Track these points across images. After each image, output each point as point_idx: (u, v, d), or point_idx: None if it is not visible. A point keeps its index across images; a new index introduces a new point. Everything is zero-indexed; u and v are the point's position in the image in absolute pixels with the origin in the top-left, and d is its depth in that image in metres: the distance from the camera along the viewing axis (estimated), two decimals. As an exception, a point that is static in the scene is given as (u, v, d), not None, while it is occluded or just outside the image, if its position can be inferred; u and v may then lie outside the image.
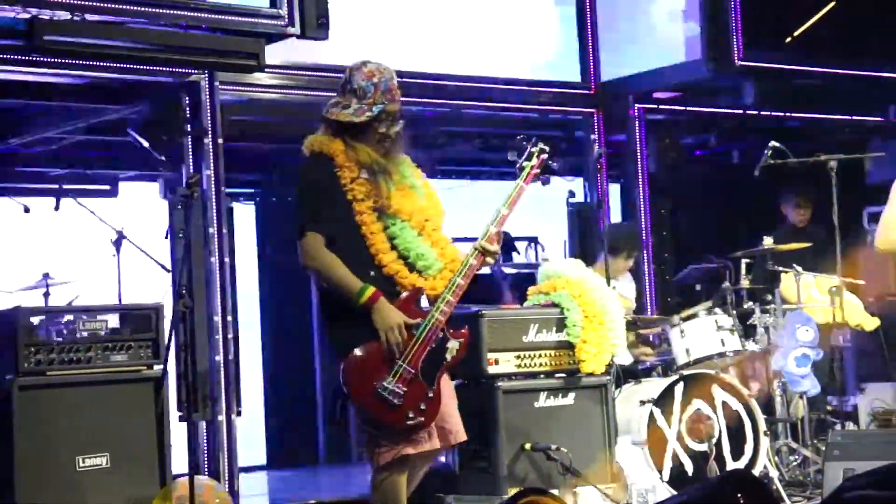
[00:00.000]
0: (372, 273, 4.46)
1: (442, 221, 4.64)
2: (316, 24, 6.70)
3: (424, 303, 4.54)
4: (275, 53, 7.01)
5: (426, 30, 8.12)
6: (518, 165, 4.67)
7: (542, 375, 5.89)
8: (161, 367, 5.60)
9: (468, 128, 8.81)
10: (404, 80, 8.04)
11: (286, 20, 6.64)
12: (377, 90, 4.52)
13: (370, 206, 4.47)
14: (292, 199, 4.62)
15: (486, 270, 7.43)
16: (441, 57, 8.12)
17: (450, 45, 8.21)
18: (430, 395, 4.43)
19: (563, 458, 5.62)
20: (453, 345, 4.49)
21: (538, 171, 4.65)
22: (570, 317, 5.91)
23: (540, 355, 5.90)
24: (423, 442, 4.48)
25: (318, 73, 7.52)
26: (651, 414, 6.21)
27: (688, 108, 9.08)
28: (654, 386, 6.38)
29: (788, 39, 8.44)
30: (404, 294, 4.46)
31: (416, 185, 4.64)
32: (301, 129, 8.49)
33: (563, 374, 5.94)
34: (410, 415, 4.39)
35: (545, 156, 4.65)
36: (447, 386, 4.61)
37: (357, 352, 4.41)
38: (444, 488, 5.69)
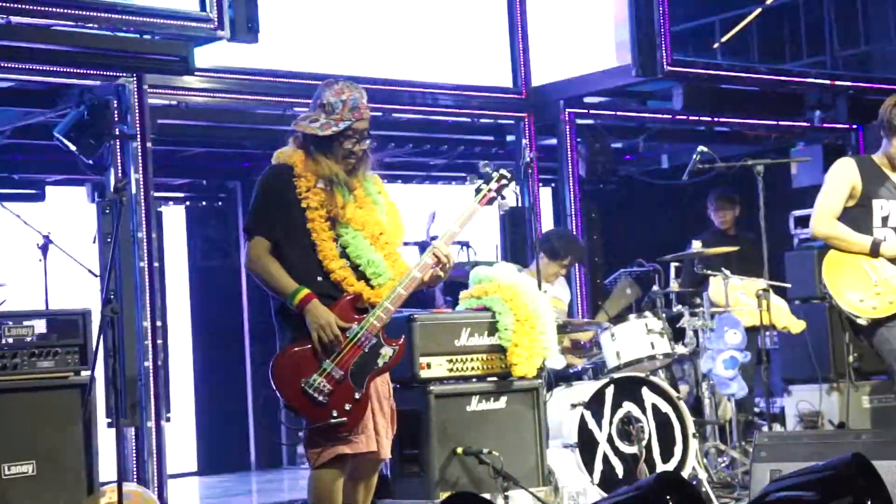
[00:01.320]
0: (319, 278, 4.54)
1: (399, 240, 4.74)
2: (246, 28, 6.67)
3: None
4: (204, 57, 6.97)
5: (359, 34, 8.11)
6: (476, 186, 4.79)
7: (474, 379, 5.89)
8: (89, 373, 5.52)
9: (400, 132, 8.81)
10: (336, 83, 8.06)
11: (216, 24, 6.60)
12: (345, 107, 4.61)
13: (323, 215, 4.57)
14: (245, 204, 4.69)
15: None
16: (373, 61, 8.12)
17: (382, 49, 8.21)
18: (358, 397, 4.48)
19: (494, 462, 5.62)
20: (387, 351, 4.55)
21: (494, 194, 4.79)
22: (502, 321, 5.92)
23: (472, 359, 5.91)
24: (359, 443, 4.52)
25: (247, 77, 7.49)
26: (582, 417, 6.25)
27: (617, 113, 9.17)
28: (585, 389, 6.42)
29: (716, 45, 8.56)
30: (345, 298, 4.53)
31: (379, 202, 4.75)
32: (231, 133, 8.50)
33: (494, 378, 5.95)
34: (334, 413, 4.45)
35: (504, 181, 4.80)
36: (387, 400, 4.67)
37: (288, 348, 4.51)
38: (377, 493, 5.68)
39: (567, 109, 8.78)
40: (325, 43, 7.94)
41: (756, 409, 7.92)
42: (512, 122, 8.80)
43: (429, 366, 5.73)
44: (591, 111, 8.99)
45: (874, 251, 5.45)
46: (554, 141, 8.91)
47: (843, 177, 5.57)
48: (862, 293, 5.44)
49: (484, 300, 6.02)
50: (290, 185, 4.58)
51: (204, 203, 9.88)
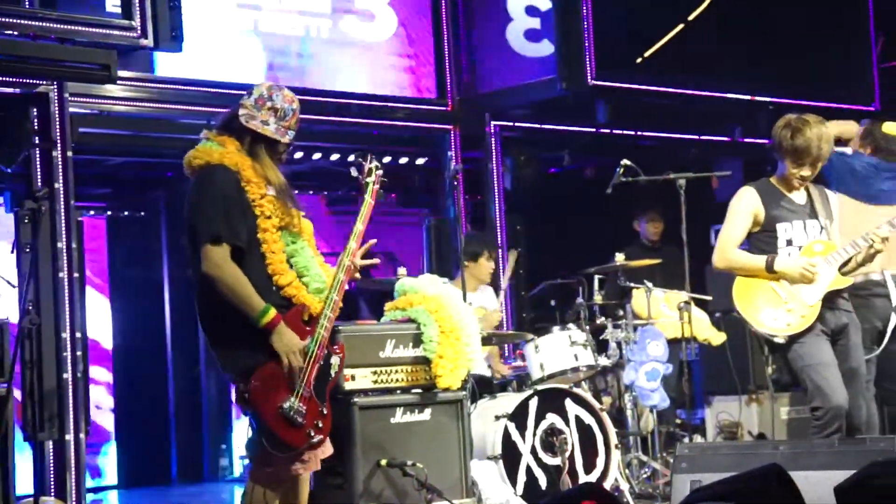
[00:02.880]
0: (274, 289, 4.47)
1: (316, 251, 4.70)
2: (170, 37, 6.61)
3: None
4: (127, 66, 6.91)
5: (286, 44, 8.08)
6: (361, 181, 4.76)
7: (398, 391, 5.88)
8: (6, 385, 5.43)
9: (325, 143, 8.78)
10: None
11: (139, 32, 6.53)
12: (294, 116, 4.58)
13: (275, 224, 4.47)
14: (193, 205, 4.49)
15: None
16: (298, 70, 8.09)
17: (308, 59, 8.18)
18: (324, 411, 4.48)
19: (418, 474, 5.62)
20: (335, 360, 4.55)
21: (378, 186, 4.77)
22: (427, 332, 5.91)
23: (396, 371, 5.89)
24: (311, 461, 4.53)
25: (171, 87, 7.42)
26: (506, 429, 6.27)
27: (543, 126, 9.23)
28: (508, 401, 6.44)
29: (639, 60, 8.65)
30: (288, 314, 4.44)
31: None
32: (154, 143, 8.40)
33: (419, 390, 5.94)
34: (311, 433, 4.43)
35: (380, 171, 4.78)
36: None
37: (259, 374, 4.39)
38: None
39: (493, 122, 8.83)
40: (249, 51, 7.89)
41: (677, 421, 8.01)
42: (438, 133, 8.82)
43: (353, 378, 5.70)
44: (517, 124, 9.04)
45: (769, 268, 5.57)
46: (479, 153, 8.94)
47: (743, 207, 5.72)
48: (774, 312, 5.56)
49: (409, 312, 6.01)
50: (242, 189, 4.43)
51: (126, 213, 9.76)
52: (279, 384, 4.40)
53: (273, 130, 4.51)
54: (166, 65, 7.36)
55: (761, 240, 5.69)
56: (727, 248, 5.70)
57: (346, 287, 4.65)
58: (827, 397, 5.42)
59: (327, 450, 4.60)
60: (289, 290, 4.47)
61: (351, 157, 4.86)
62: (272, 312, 4.37)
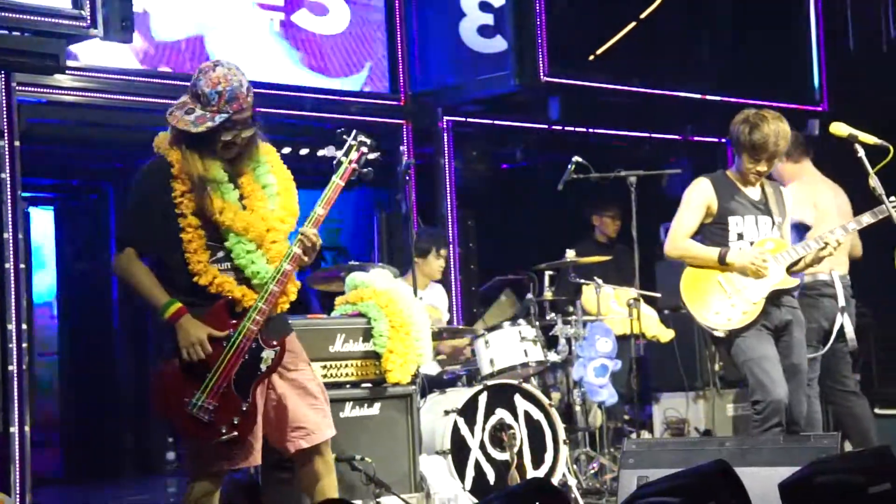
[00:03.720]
0: (199, 284, 4.37)
1: (292, 221, 4.48)
2: (120, 27, 6.54)
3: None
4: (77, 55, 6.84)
5: (235, 35, 8.03)
6: (336, 160, 4.50)
7: (348, 385, 5.88)
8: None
9: (276, 136, 8.72)
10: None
11: (88, 21, 6.45)
12: (221, 98, 4.29)
13: (195, 224, 4.34)
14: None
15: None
16: (248, 63, 8.03)
17: (260, 51, 8.13)
18: (245, 408, 4.32)
19: (367, 469, 5.62)
20: (268, 354, 4.36)
21: (356, 166, 4.51)
22: (377, 327, 5.92)
23: (346, 365, 5.89)
24: (239, 459, 4.41)
25: (120, 77, 7.36)
26: (455, 424, 6.28)
27: (495, 122, 9.23)
28: (458, 396, 6.45)
29: (592, 57, 8.68)
30: (213, 306, 4.34)
31: (269, 183, 4.48)
32: (103, 133, 8.32)
33: (369, 385, 5.94)
34: (223, 430, 4.28)
35: (365, 149, 4.51)
36: (311, 382, 4.53)
37: (164, 369, 4.32)
38: (247, 499, 5.62)
39: (445, 117, 8.83)
40: (201, 44, 7.84)
41: (625, 417, 8.05)
42: (390, 128, 8.80)
43: (302, 372, 5.68)
44: (469, 119, 9.04)
45: (721, 261, 5.59)
46: (431, 148, 8.94)
47: (697, 197, 5.74)
48: (717, 306, 5.59)
49: (359, 306, 6.01)
50: (167, 187, 4.33)
51: (74, 204, 9.66)
52: (188, 379, 4.28)
53: (191, 121, 4.27)
54: (115, 55, 7.30)
55: (713, 231, 5.71)
56: (679, 237, 5.73)
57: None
58: (767, 391, 5.48)
59: (256, 458, 4.47)
60: (213, 288, 4.33)
61: (339, 131, 4.53)
62: (175, 306, 4.28)
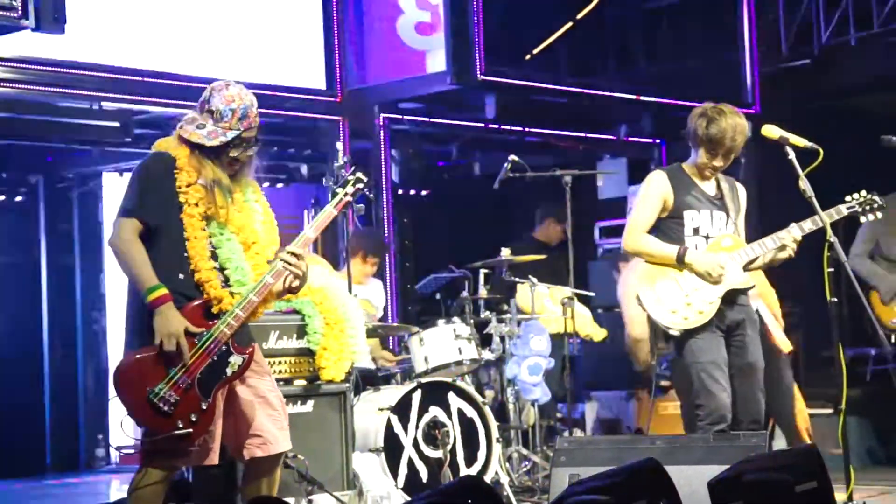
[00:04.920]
0: (181, 276, 4.41)
1: (271, 250, 4.61)
2: (52, 19, 6.45)
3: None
4: (7, 47, 6.73)
5: (170, 30, 7.96)
6: (332, 191, 4.71)
7: (281, 383, 5.83)
8: None
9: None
10: (146, 79, 7.90)
11: (20, 12, 6.35)
12: (234, 116, 4.49)
13: (199, 213, 4.44)
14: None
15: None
16: (184, 57, 7.97)
17: (195, 46, 8.07)
18: (204, 407, 4.36)
19: (299, 466, 5.59)
20: (236, 360, 4.43)
21: (351, 199, 4.67)
22: (311, 324, 5.89)
23: (280, 362, 5.86)
24: (193, 456, 4.43)
25: (51, 69, 7.25)
26: (388, 421, 6.27)
27: (431, 120, 9.24)
28: (392, 393, 6.45)
29: (528, 56, 8.73)
30: (194, 302, 4.40)
31: (255, 209, 4.64)
32: (34, 126, 8.20)
33: (302, 382, 5.92)
34: (180, 424, 4.31)
35: (361, 185, 4.69)
36: (268, 391, 4.59)
37: (133, 354, 4.34)
38: (177, 497, 5.57)
39: (382, 114, 8.81)
40: (140, 38, 7.75)
41: (558, 415, 8.10)
42: (326, 124, 8.77)
43: (235, 369, 5.64)
44: (406, 117, 9.04)
45: (680, 260, 5.55)
46: (368, 145, 8.92)
47: (654, 190, 5.66)
48: (674, 304, 5.55)
49: (293, 303, 5.98)
50: (171, 175, 4.44)
51: (3, 197, 9.52)
52: (154, 369, 4.31)
53: (204, 135, 4.47)
54: (47, 47, 7.20)
55: (668, 226, 5.64)
56: (637, 231, 5.65)
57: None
58: (711, 397, 5.45)
59: (212, 457, 4.50)
60: (201, 276, 4.42)
61: (338, 166, 4.72)
62: (161, 291, 4.32)
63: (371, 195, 4.71)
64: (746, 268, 5.63)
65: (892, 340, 7.20)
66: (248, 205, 4.62)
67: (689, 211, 5.63)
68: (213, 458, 4.49)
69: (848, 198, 5.69)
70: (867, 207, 5.69)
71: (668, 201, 5.64)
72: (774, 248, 5.59)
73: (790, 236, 5.54)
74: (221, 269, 4.47)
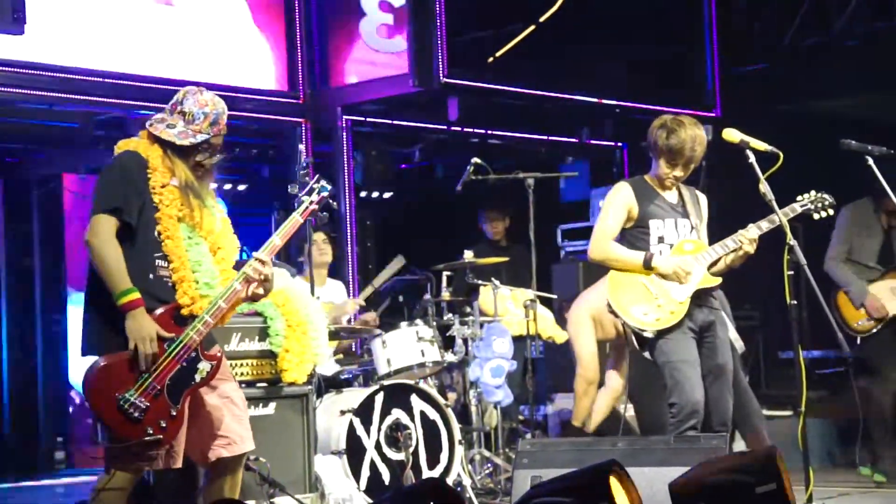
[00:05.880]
0: (151, 276, 4.41)
1: (233, 257, 4.64)
2: (11, 19, 6.39)
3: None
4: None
5: (132, 32, 7.91)
6: (298, 199, 4.74)
7: (243, 385, 5.80)
8: None
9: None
10: (108, 80, 7.84)
11: (-22, 12, 6.31)
12: (206, 120, 4.53)
13: (173, 214, 4.45)
14: (97, 182, 4.53)
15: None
16: (147, 59, 7.93)
17: (158, 48, 8.03)
18: (174, 413, 4.37)
19: (261, 469, 5.57)
20: (204, 366, 4.44)
21: (316, 207, 4.72)
22: (274, 326, 5.88)
23: (242, 364, 5.84)
24: (160, 460, 4.42)
25: (9, 70, 7.21)
26: (351, 424, 6.26)
27: (394, 122, 9.24)
28: (354, 396, 6.44)
29: (491, 59, 8.74)
30: (162, 308, 4.40)
31: (216, 216, 4.66)
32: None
33: (264, 384, 5.90)
34: (149, 430, 4.32)
35: (325, 193, 4.73)
36: (231, 392, 4.60)
37: (103, 359, 4.33)
38: (137, 500, 5.53)
39: (344, 116, 8.80)
40: (95, 38, 7.70)
41: (521, 417, 8.11)
42: (289, 126, 8.75)
43: (196, 371, 5.62)
44: (368, 119, 9.03)
45: (647, 265, 5.62)
46: (330, 147, 8.91)
47: (619, 201, 5.74)
48: (645, 307, 5.60)
49: (255, 305, 5.95)
50: (145, 175, 4.45)
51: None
52: (124, 374, 4.31)
53: (174, 134, 4.50)
54: (6, 47, 7.14)
55: (634, 235, 5.71)
56: (603, 240, 5.71)
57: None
58: (684, 394, 5.49)
59: (177, 461, 4.49)
60: (178, 276, 4.43)
61: (302, 173, 4.84)
62: (133, 295, 4.32)
63: (335, 203, 4.73)
64: (710, 269, 5.69)
65: (858, 342, 7.25)
66: (209, 211, 4.62)
67: (654, 220, 5.71)
68: (178, 462, 4.49)
69: (800, 197, 5.80)
70: (819, 205, 5.81)
71: (633, 211, 5.72)
72: (735, 248, 5.65)
73: (749, 236, 5.62)
74: (193, 272, 4.48)
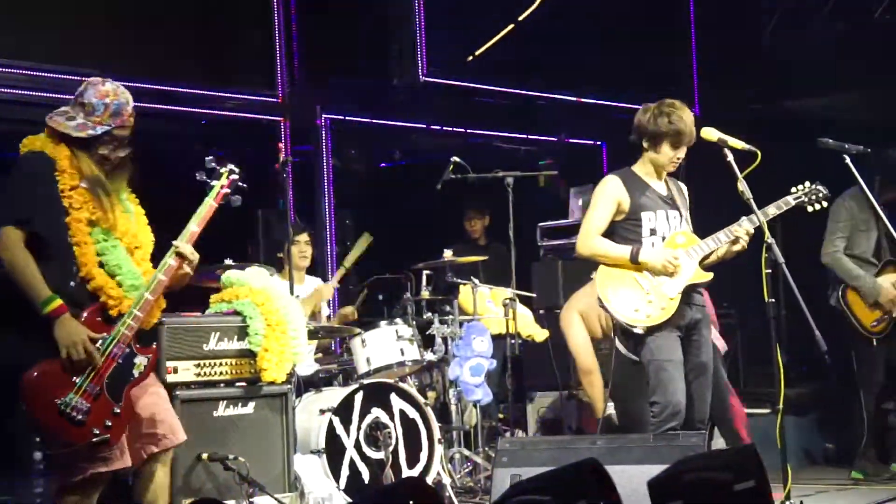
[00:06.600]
0: (72, 283, 4.38)
1: (150, 250, 4.63)
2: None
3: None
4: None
5: (105, 30, 7.87)
6: (208, 184, 4.71)
7: (222, 384, 5.81)
8: None
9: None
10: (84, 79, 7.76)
11: None
12: (107, 111, 4.46)
13: (84, 217, 4.40)
14: (6, 189, 4.47)
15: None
16: (123, 59, 7.89)
17: (133, 48, 7.98)
18: (117, 410, 4.37)
19: (240, 468, 5.56)
20: (141, 360, 4.45)
21: (228, 191, 4.70)
22: (253, 325, 5.86)
23: (221, 364, 5.82)
24: (114, 459, 4.41)
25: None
26: (330, 423, 6.26)
27: (374, 121, 9.23)
28: (334, 395, 6.44)
29: (470, 58, 8.75)
30: (90, 309, 4.38)
31: (130, 210, 4.62)
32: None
33: (243, 383, 5.89)
34: (96, 431, 4.31)
35: (235, 177, 4.71)
36: (157, 389, 4.62)
37: (37, 368, 4.29)
38: (116, 499, 5.51)
39: (323, 115, 8.79)
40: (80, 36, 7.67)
41: (500, 416, 8.12)
42: (268, 125, 8.73)
43: (175, 370, 5.61)
44: (348, 118, 9.02)
45: (634, 259, 5.57)
46: (310, 146, 8.90)
47: (608, 195, 5.68)
48: (636, 303, 5.55)
49: (235, 304, 5.95)
50: (53, 178, 4.38)
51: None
52: (61, 379, 4.30)
53: (73, 126, 4.43)
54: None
55: (626, 228, 5.67)
56: (591, 235, 5.66)
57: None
58: (668, 395, 5.48)
59: (123, 461, 4.48)
60: (96, 283, 4.39)
61: (208, 160, 4.76)
62: (56, 303, 4.29)
63: (244, 185, 4.72)
64: (702, 263, 5.67)
65: (875, 343, 7.21)
66: (122, 207, 4.58)
67: (646, 212, 5.66)
68: (127, 461, 4.50)
69: (794, 189, 5.77)
70: (812, 197, 5.78)
71: (624, 204, 5.67)
72: (728, 241, 5.62)
73: (742, 229, 5.58)
74: (112, 276, 4.45)
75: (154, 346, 4.54)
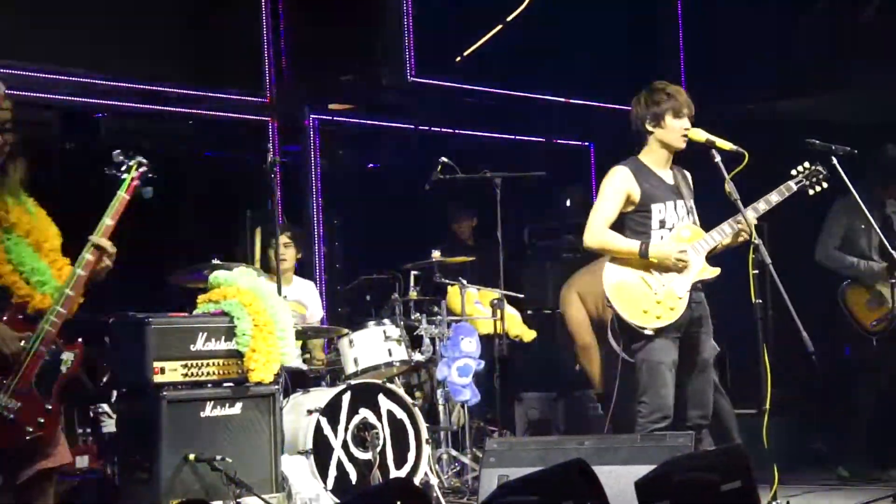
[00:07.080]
0: None
1: (59, 244, 4.59)
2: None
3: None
4: None
5: (115, 31, 7.86)
6: (118, 178, 4.68)
7: (209, 385, 5.80)
8: None
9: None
10: (79, 79, 7.76)
11: None
12: None
13: None
14: None
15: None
16: (113, 60, 7.87)
17: (123, 49, 7.97)
18: (49, 407, 4.37)
19: (227, 469, 5.56)
20: (68, 356, 4.45)
21: (138, 182, 4.66)
22: (240, 325, 5.85)
23: (208, 364, 5.82)
24: (57, 455, 4.42)
25: None
26: (318, 423, 6.25)
27: (362, 121, 9.22)
28: (321, 395, 6.43)
29: (458, 59, 8.75)
30: (7, 310, 4.37)
31: (27, 202, 4.57)
32: None
33: (231, 384, 5.88)
34: (29, 429, 4.32)
35: (143, 169, 4.68)
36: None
37: None
38: (102, 500, 5.52)
39: (311, 115, 8.78)
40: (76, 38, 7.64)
41: (488, 416, 8.12)
42: (256, 125, 8.72)
43: (163, 370, 5.61)
44: (336, 118, 9.01)
45: (643, 253, 5.48)
46: (297, 146, 8.88)
47: (616, 185, 5.57)
48: (645, 304, 5.48)
49: (222, 304, 5.94)
50: None
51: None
52: None
53: None
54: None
55: (635, 220, 5.58)
56: (600, 227, 5.55)
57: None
58: (658, 398, 5.46)
59: (65, 457, 4.49)
60: (4, 281, 4.38)
61: (115, 153, 4.72)
62: None
63: (154, 176, 4.68)
64: (708, 256, 5.61)
65: (875, 343, 7.21)
66: (19, 200, 4.53)
67: (656, 203, 5.58)
68: (67, 456, 4.51)
69: (794, 171, 5.70)
70: (814, 179, 5.71)
71: (633, 195, 5.57)
72: (732, 233, 5.58)
73: (746, 220, 5.52)
74: (19, 274, 4.43)
75: (80, 341, 4.52)
